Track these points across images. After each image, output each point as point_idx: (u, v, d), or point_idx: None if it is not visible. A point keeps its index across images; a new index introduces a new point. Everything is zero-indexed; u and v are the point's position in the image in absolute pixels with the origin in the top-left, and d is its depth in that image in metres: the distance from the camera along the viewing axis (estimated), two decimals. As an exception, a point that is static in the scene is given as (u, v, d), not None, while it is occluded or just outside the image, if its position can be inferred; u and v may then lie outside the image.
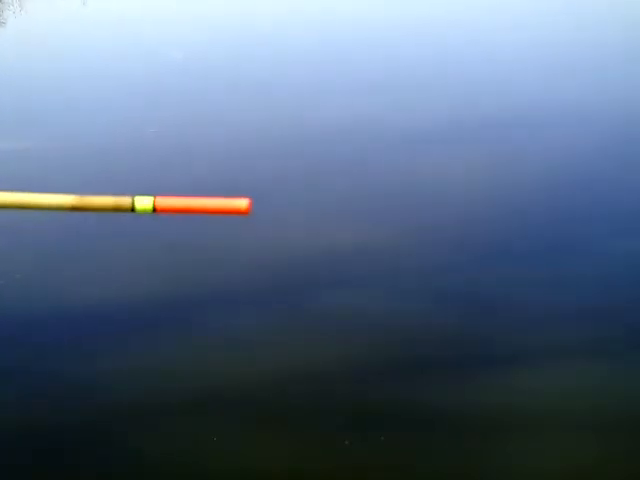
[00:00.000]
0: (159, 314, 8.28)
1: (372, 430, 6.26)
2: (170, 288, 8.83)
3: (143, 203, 2.10)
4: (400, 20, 21.63)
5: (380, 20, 22.06)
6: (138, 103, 14.30)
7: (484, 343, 7.45)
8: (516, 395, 6.64)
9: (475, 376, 6.90)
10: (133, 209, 2.12)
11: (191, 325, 8.08)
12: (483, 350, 7.35)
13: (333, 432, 6.20)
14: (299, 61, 17.68)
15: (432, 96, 14.81)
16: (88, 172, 10.92)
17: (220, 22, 22.90)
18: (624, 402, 6.51)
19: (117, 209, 2.12)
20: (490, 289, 8.40)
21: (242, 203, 2.09)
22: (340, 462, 5.91)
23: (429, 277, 8.82)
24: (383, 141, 13.19)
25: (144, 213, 2.12)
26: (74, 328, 6.97)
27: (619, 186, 11.08)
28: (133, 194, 2.20)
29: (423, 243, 9.65)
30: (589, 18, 19.07)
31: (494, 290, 8.38)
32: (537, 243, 9.53)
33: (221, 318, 8.06)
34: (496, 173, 11.88)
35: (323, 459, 6.09)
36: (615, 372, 6.91)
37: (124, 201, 2.11)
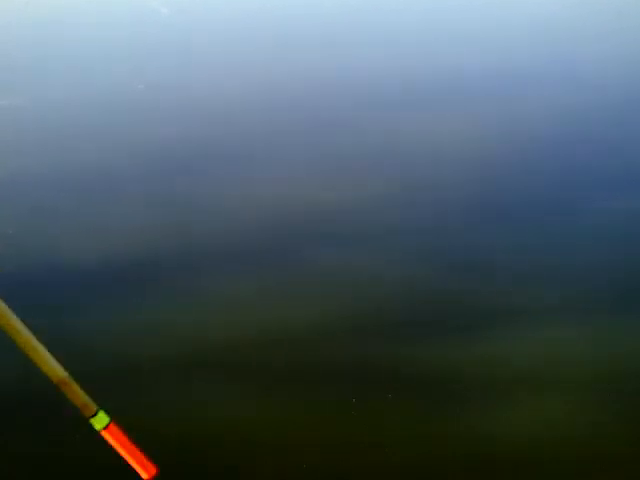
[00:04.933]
0: (143, 270, 8.16)
1: (356, 385, 6.22)
2: (154, 242, 8.79)
3: (101, 420, 2.22)
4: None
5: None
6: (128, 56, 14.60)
7: (471, 301, 7.38)
8: (504, 353, 6.60)
9: (461, 334, 6.84)
10: (93, 415, 2.24)
11: (176, 282, 8.04)
12: (470, 308, 7.29)
13: (316, 387, 6.20)
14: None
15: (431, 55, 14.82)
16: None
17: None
18: (608, 357, 6.49)
19: (82, 408, 2.24)
20: (476, 248, 8.32)
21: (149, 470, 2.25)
22: (323, 415, 5.90)
23: (415, 235, 8.79)
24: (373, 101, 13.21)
25: (95, 426, 2.23)
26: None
27: (606, 145, 11.08)
28: (100, 408, 2.32)
29: (410, 201, 9.60)
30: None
31: (480, 248, 8.31)
32: (524, 202, 9.51)
33: (208, 274, 8.00)
34: (483, 132, 11.85)
35: (307, 412, 6.12)
36: (600, 328, 6.87)
37: (90, 407, 2.24)
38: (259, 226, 8.89)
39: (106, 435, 2.23)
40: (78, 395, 2.23)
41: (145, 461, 2.26)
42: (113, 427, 2.24)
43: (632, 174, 10.07)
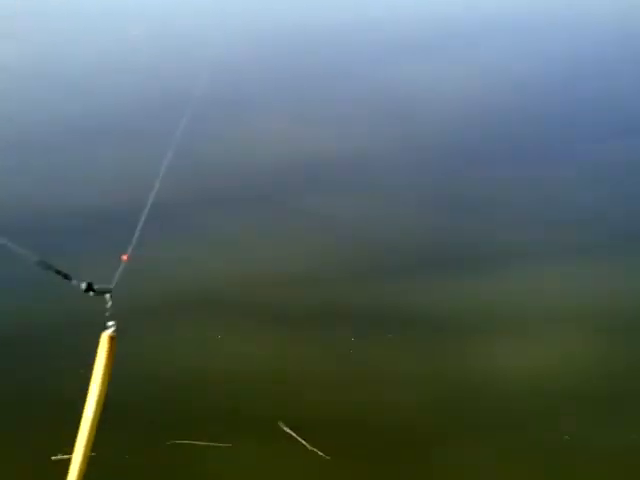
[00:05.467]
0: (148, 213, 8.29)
1: (356, 328, 6.40)
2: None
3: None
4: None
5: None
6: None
7: (468, 245, 7.53)
8: (498, 294, 6.78)
9: (459, 276, 7.01)
10: None
11: (176, 225, 8.20)
12: (467, 251, 7.45)
13: (317, 327, 6.39)
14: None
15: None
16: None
17: None
18: (600, 299, 6.66)
19: None
20: (472, 192, 8.46)
21: None
22: (323, 352, 6.11)
23: (413, 180, 8.96)
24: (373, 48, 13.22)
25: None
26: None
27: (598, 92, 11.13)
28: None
29: (407, 148, 9.72)
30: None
31: (476, 193, 8.45)
32: (517, 147, 9.62)
33: (207, 218, 8.14)
34: (477, 81, 11.90)
35: (307, 352, 6.34)
36: (589, 271, 7.03)
37: None
38: (260, 170, 9.01)
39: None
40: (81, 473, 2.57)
41: None
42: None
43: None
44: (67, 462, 5.22)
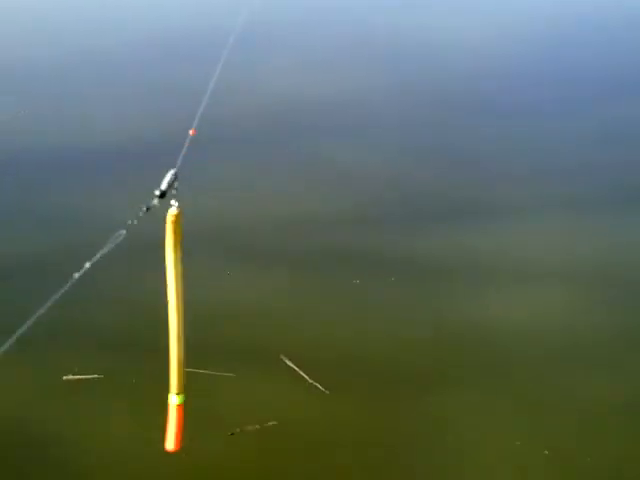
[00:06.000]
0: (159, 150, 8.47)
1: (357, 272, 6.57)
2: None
3: (178, 399, 2.68)
4: None
5: None
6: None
7: (468, 196, 7.65)
8: (497, 243, 6.92)
9: (458, 224, 7.15)
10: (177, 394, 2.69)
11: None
12: (471, 203, 7.56)
13: (320, 268, 6.57)
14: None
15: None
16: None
17: None
18: (595, 251, 6.80)
19: (176, 384, 2.71)
20: (472, 145, 8.54)
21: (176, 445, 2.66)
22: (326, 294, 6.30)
23: (415, 130, 9.03)
24: None
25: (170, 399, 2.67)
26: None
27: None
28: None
29: (410, 96, 9.76)
30: None
31: (477, 146, 8.53)
32: (518, 102, 9.64)
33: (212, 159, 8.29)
34: (482, 32, 11.84)
35: (311, 290, 6.52)
36: (585, 224, 7.14)
37: (180, 388, 2.69)
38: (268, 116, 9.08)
39: (172, 409, 2.69)
40: (181, 376, 2.70)
41: (178, 438, 2.68)
42: (180, 408, 2.68)
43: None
44: (78, 382, 5.45)
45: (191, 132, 2.63)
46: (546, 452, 5.02)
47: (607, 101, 9.40)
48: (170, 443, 2.72)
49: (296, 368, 5.64)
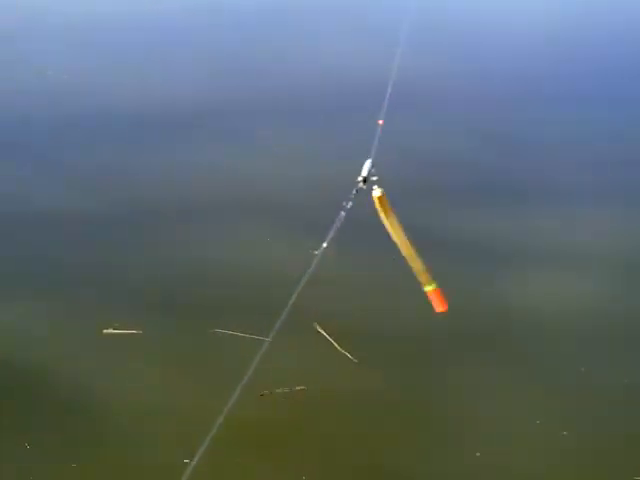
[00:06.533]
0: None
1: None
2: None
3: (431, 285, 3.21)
4: None
5: None
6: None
7: (503, 177, 7.71)
8: (531, 229, 6.99)
9: (492, 206, 7.22)
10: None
11: (222, 132, 8.56)
12: (502, 184, 7.63)
13: (358, 241, 6.67)
14: None
15: None
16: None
17: None
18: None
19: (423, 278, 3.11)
20: (520, 128, 8.56)
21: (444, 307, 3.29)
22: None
23: (458, 110, 9.05)
24: None
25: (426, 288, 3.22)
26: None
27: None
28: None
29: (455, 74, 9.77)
30: None
31: (523, 129, 8.54)
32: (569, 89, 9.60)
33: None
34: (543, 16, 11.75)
35: (347, 262, 6.65)
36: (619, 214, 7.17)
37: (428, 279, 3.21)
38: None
39: (430, 294, 3.22)
40: (425, 275, 3.21)
41: (443, 303, 3.24)
42: (437, 291, 3.19)
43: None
44: (117, 337, 5.67)
45: (380, 122, 2.92)
46: (565, 433, 5.14)
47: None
48: (439, 307, 3.26)
49: (327, 336, 5.79)
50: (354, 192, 2.89)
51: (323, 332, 5.85)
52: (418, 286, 6.16)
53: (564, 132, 8.48)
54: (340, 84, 9.43)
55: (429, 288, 3.27)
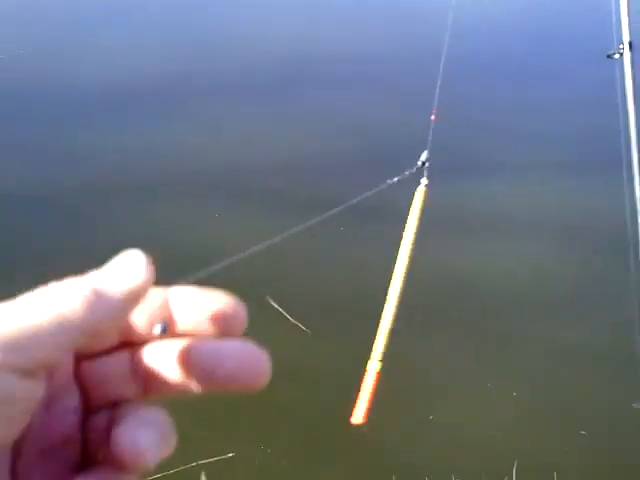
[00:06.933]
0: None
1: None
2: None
3: (377, 365, 2.83)
4: None
5: None
6: None
7: (461, 152, 7.86)
8: (486, 198, 7.16)
9: (452, 179, 7.37)
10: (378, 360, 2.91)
11: (177, 109, 8.56)
12: (461, 157, 7.78)
13: (307, 214, 6.76)
14: None
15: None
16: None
17: None
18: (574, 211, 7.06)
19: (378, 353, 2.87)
20: (470, 108, 8.71)
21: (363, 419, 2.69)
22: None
23: (416, 85, 9.16)
24: None
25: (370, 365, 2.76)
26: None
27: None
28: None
29: (412, 51, 9.88)
30: None
31: (474, 109, 8.71)
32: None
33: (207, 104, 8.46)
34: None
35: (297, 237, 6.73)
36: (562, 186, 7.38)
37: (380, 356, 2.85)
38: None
39: (369, 374, 2.77)
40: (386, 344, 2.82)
41: (366, 411, 2.72)
42: (377, 375, 2.74)
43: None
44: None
45: (432, 117, 2.96)
46: (514, 394, 5.30)
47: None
48: (358, 416, 2.75)
49: (280, 309, 5.87)
50: (410, 171, 2.87)
51: (275, 305, 5.91)
52: (369, 259, 6.31)
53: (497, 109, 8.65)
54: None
55: (377, 367, 2.85)
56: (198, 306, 0.66)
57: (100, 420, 0.66)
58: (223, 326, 0.66)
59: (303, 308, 5.91)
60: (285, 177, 7.10)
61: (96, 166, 7.18)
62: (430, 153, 2.88)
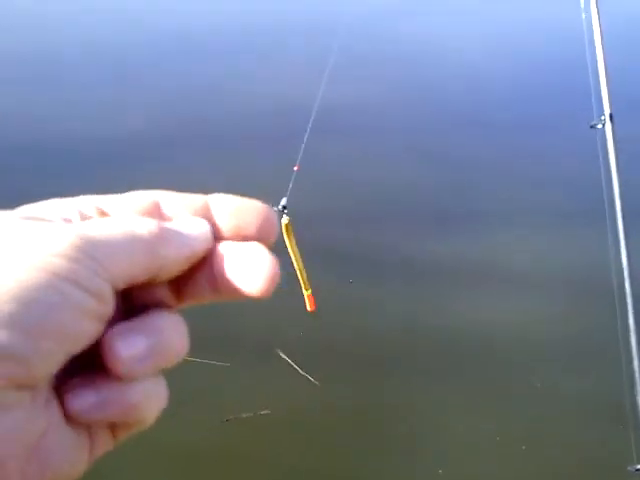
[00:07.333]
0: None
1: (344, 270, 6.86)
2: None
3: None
4: None
5: None
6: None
7: (458, 201, 7.93)
8: (485, 251, 7.21)
9: (450, 230, 7.44)
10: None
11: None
12: (456, 206, 7.85)
13: (318, 266, 6.79)
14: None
15: None
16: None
17: None
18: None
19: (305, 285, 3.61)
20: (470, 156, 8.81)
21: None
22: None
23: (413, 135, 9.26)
24: None
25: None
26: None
27: None
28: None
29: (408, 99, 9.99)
30: None
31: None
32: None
33: None
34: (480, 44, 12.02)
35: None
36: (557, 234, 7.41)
37: (307, 287, 3.61)
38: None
39: (308, 297, 3.59)
40: (305, 281, 3.54)
41: (313, 304, 3.61)
42: (310, 296, 3.58)
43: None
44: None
45: (295, 168, 3.31)
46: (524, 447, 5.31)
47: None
48: (311, 307, 3.61)
49: (289, 360, 5.91)
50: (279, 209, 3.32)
51: (285, 356, 5.96)
52: (375, 309, 6.38)
53: (500, 154, 8.76)
54: (259, 112, 9.58)
55: (308, 293, 3.64)
56: (238, 211, 0.67)
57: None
58: (260, 231, 0.67)
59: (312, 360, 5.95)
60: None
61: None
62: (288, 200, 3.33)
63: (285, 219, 3.38)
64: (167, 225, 0.63)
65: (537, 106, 10.03)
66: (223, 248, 0.65)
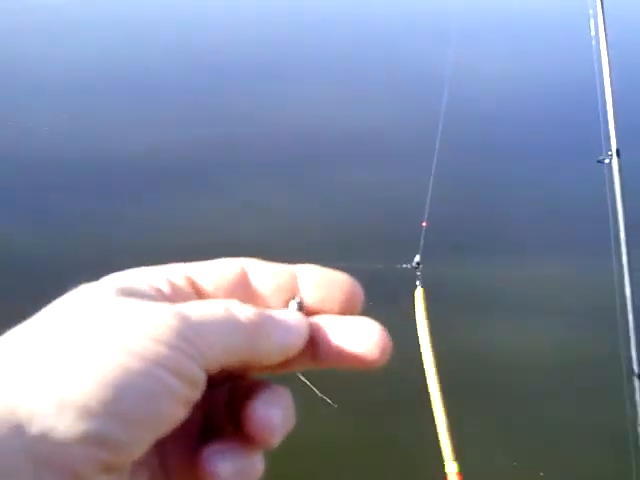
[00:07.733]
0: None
1: None
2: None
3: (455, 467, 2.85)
4: None
5: None
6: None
7: (474, 230, 8.01)
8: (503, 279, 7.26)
9: (470, 256, 7.51)
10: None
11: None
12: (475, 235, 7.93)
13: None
14: None
15: None
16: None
17: None
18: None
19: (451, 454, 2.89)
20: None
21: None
22: None
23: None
24: None
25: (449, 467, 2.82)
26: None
27: None
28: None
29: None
30: None
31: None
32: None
33: None
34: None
35: None
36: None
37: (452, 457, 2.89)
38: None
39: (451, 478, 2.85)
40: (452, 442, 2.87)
41: None
42: (459, 477, 2.86)
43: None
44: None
45: (424, 224, 3.16)
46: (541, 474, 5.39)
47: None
48: None
49: (307, 382, 6.01)
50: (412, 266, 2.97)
51: (303, 378, 6.06)
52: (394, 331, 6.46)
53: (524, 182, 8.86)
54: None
55: (455, 468, 2.87)
56: (324, 284, 0.67)
57: (221, 393, 0.65)
58: (346, 304, 0.67)
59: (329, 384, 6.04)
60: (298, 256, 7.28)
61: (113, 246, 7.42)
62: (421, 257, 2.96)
63: (419, 291, 2.98)
64: (267, 314, 0.63)
65: (546, 138, 10.14)
66: (325, 321, 0.66)
